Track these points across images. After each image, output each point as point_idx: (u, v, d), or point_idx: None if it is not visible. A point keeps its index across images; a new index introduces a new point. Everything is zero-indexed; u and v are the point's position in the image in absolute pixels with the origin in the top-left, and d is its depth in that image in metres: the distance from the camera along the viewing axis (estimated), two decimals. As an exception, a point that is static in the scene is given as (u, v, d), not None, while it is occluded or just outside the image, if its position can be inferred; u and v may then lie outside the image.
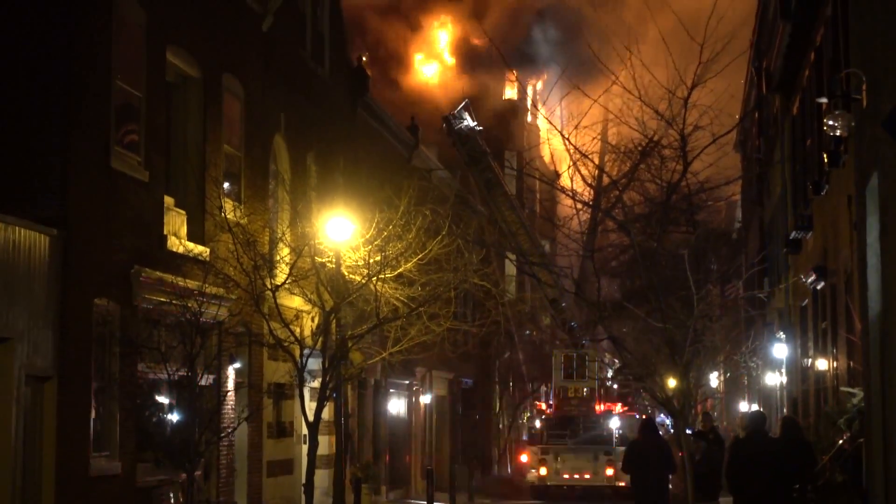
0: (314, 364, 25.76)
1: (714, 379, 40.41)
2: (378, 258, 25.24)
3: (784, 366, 33.09)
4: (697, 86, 21.26)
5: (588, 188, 25.81)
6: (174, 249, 23.09)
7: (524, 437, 54.34)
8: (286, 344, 24.94)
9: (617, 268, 41.25)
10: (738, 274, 38.42)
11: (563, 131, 23.39)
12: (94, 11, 20.51)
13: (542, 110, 32.20)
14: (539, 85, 65.91)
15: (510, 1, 64.83)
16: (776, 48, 29.35)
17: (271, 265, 24.98)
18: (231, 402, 25.25)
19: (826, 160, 20.79)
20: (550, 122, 24.33)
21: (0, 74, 19.65)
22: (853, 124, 16.23)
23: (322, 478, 28.98)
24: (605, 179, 30.94)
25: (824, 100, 18.15)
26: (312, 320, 26.37)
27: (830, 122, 16.17)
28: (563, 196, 29.28)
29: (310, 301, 25.67)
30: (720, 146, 24.69)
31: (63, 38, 19.77)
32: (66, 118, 19.71)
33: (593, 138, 25.93)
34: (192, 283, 22.64)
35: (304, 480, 25.37)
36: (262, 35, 28.24)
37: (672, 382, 22.53)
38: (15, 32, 19.74)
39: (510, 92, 65.58)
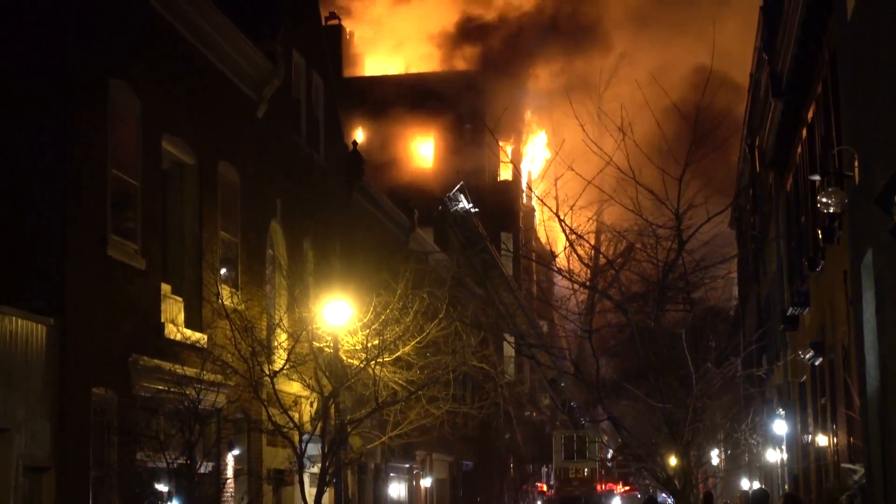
0: (314, 449, 25.67)
1: (715, 457, 40.22)
2: (376, 342, 25.26)
3: (784, 442, 32.98)
4: (691, 165, 21.40)
5: (585, 267, 25.88)
6: (172, 337, 23.08)
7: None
8: (285, 430, 24.87)
9: (615, 347, 41.18)
10: (737, 351, 38.37)
11: (559, 211, 23.48)
12: (90, 100, 20.63)
13: (536, 192, 32.29)
14: (532, 163, 66.23)
15: (504, 84, 65.31)
16: (768, 126, 29.52)
17: (269, 351, 24.97)
18: (231, 490, 25.12)
19: (821, 236, 20.87)
20: (545, 204, 24.45)
21: (-4, 164, 19.76)
22: (846, 201, 16.31)
23: (323, 564, 28.78)
24: (602, 259, 31.02)
25: (817, 177, 18.25)
26: (311, 405, 26.33)
27: (824, 200, 16.25)
28: (560, 276, 29.34)
29: (308, 386, 25.65)
30: (715, 224, 24.78)
31: (59, 128, 19.84)
32: (63, 207, 19.75)
33: (588, 219, 26.05)
34: (189, 371, 22.61)
35: (305, 567, 25.22)
36: (257, 121, 28.42)
37: (673, 461, 22.46)
38: (11, 121, 19.82)
39: (506, 173, 65.93)
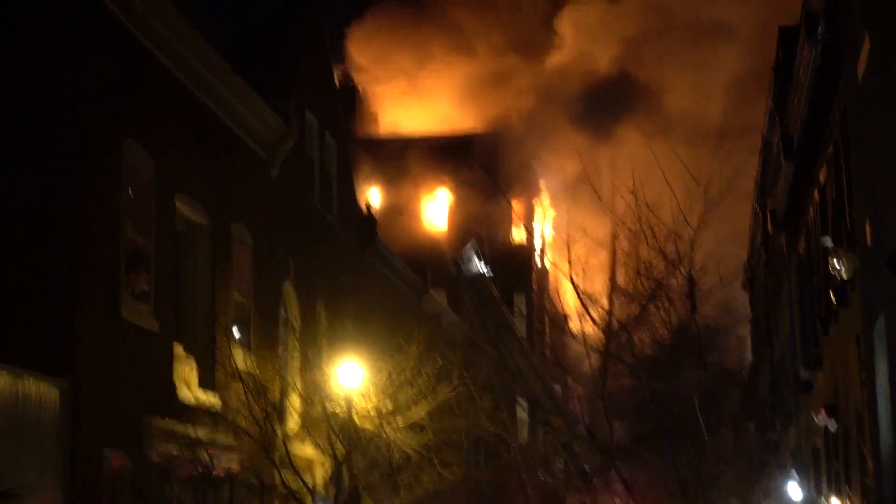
0: (326, 513, 25.58)
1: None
2: (389, 405, 25.18)
3: (799, 507, 32.76)
4: (703, 228, 21.44)
5: (598, 329, 25.84)
6: (184, 399, 23.03)
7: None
8: (298, 494, 24.76)
9: (629, 410, 41.05)
10: (750, 415, 38.24)
11: (572, 273, 23.53)
12: (104, 161, 20.68)
13: (548, 258, 32.30)
14: (547, 225, 66.24)
15: (521, 147, 65.45)
16: (780, 187, 29.53)
17: (282, 414, 24.92)
18: (244, 555, 25.00)
19: (833, 299, 20.82)
20: (558, 268, 24.49)
21: (8, 224, 19.76)
22: (858, 265, 16.30)
23: None
24: (614, 320, 30.96)
25: (829, 241, 18.25)
26: (324, 468, 26.23)
27: (835, 264, 16.25)
28: (574, 339, 29.32)
29: (321, 449, 25.56)
30: (728, 285, 24.80)
31: (72, 188, 19.85)
32: (75, 268, 19.76)
33: (602, 286, 26.09)
34: (202, 433, 22.56)
35: None
36: (271, 181, 28.50)
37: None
38: (25, 181, 19.84)
39: (520, 234, 65.93)
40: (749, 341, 54.89)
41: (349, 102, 56.07)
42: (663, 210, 24.25)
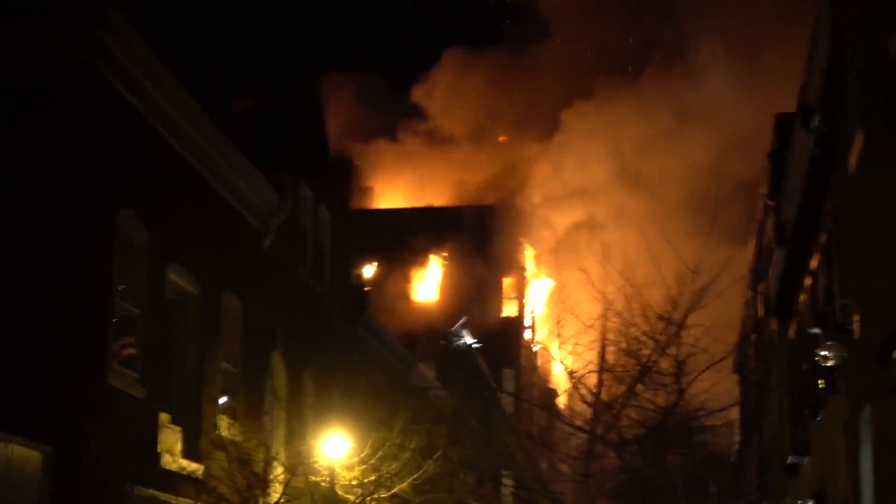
0: (307, 586, 25.40)
1: None
2: (373, 478, 25.09)
3: None
4: (692, 311, 21.49)
5: (586, 406, 25.82)
6: (168, 467, 22.92)
7: None
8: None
9: (614, 489, 40.92)
10: (736, 498, 38.13)
11: (560, 349, 23.55)
12: (97, 230, 20.69)
13: (537, 337, 32.29)
14: (536, 302, 66.33)
15: (512, 222, 65.69)
16: (772, 273, 29.62)
17: (265, 484, 24.80)
18: None
19: (822, 386, 20.85)
20: (546, 350, 24.49)
21: None
22: (845, 355, 16.34)
23: None
24: (602, 399, 30.95)
25: (817, 330, 18.30)
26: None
27: (822, 353, 16.30)
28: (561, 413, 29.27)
29: (303, 521, 25.44)
30: (718, 369, 24.80)
31: (64, 256, 19.91)
32: (64, 335, 19.73)
33: (588, 365, 26.10)
34: (185, 502, 22.44)
35: None
36: (263, 252, 28.51)
37: None
38: (16, 247, 19.92)
39: (510, 309, 66.03)
40: (737, 424, 54.76)
41: (344, 175, 56.22)
42: (655, 290, 24.30)
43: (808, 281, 24.66)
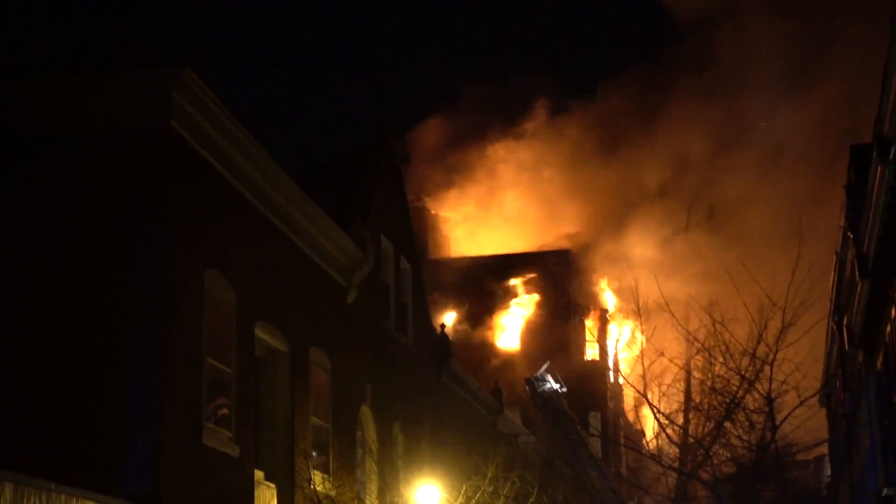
0: None
1: None
2: (468, 526, 25.18)
3: None
4: (780, 349, 21.44)
5: (675, 446, 25.76)
6: (265, 524, 23.16)
7: None
8: None
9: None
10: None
11: (647, 391, 23.54)
12: (186, 291, 21.00)
13: (622, 375, 32.28)
14: (619, 343, 66.13)
15: (594, 264, 65.56)
16: (856, 305, 29.47)
17: (362, 537, 24.99)
18: None
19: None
20: (635, 388, 24.52)
21: (91, 350, 20.09)
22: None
23: None
24: (691, 439, 30.85)
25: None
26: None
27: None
28: (651, 459, 29.19)
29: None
30: (808, 407, 24.67)
31: (155, 318, 20.16)
32: (158, 396, 19.96)
33: (677, 404, 26.08)
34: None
35: None
36: (347, 307, 28.78)
37: None
38: (107, 311, 20.24)
39: (593, 351, 65.87)
40: (827, 458, 54.23)
41: (421, 225, 56.58)
42: (738, 325, 24.26)
43: (893, 312, 24.54)
